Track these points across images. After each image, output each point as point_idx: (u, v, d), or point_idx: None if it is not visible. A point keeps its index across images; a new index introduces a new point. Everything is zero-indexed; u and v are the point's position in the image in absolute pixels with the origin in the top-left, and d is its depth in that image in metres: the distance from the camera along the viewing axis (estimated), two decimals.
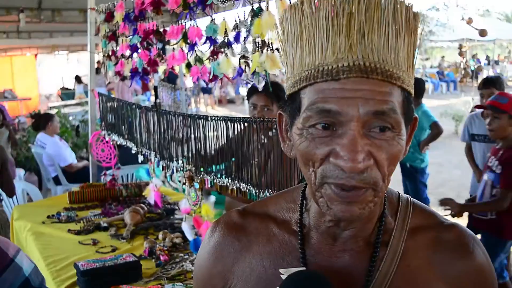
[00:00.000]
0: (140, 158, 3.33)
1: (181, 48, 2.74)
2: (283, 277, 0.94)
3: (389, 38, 0.84)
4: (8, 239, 1.59)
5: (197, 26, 2.59)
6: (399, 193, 1.07)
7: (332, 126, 0.85)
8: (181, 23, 2.73)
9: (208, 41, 2.50)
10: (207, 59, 2.56)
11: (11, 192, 4.38)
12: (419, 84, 5.62)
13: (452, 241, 0.99)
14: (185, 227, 2.84)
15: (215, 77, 2.50)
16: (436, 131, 5.55)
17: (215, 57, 2.48)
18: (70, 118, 10.40)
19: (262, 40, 2.14)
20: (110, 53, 4.11)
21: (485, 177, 3.88)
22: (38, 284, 1.48)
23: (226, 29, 2.37)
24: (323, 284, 0.89)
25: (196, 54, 2.62)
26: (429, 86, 21.47)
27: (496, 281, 1.02)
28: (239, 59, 2.30)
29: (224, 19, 2.40)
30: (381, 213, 1.00)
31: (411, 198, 1.07)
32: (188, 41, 2.63)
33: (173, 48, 2.82)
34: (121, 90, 12.37)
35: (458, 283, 0.97)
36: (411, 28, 0.87)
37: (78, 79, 17.30)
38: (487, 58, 28.93)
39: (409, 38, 0.87)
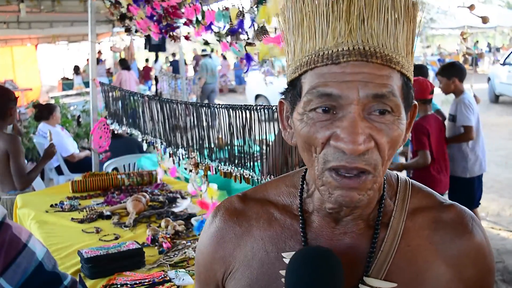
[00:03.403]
0: (145, 146, 3.35)
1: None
2: (286, 260, 0.96)
3: (388, 24, 0.86)
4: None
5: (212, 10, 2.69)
6: (397, 175, 1.08)
7: (332, 109, 0.86)
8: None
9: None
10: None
11: (22, 185, 4.20)
12: (422, 71, 5.68)
13: (451, 221, 1.00)
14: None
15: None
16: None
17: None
18: (71, 108, 10.38)
19: (260, 27, 2.17)
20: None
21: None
22: (51, 268, 1.49)
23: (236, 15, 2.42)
24: (333, 260, 0.91)
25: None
26: (430, 73, 21.41)
27: (494, 260, 1.04)
28: (245, 47, 2.33)
29: (233, 5, 2.45)
30: (380, 195, 1.01)
31: (410, 180, 1.08)
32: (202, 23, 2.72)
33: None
34: (128, 80, 12.38)
35: (458, 261, 0.98)
36: (410, 16, 0.89)
37: (76, 70, 17.27)
38: (488, 45, 28.82)
39: (408, 25, 0.89)
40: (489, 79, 16.66)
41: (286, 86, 0.98)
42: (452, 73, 5.11)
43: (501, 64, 16.34)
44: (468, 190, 5.14)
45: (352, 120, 0.84)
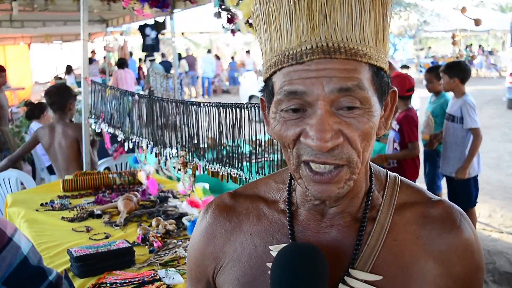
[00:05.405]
0: (129, 145, 3.34)
1: None
2: (273, 253, 0.97)
3: (353, 15, 0.85)
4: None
5: None
6: (387, 171, 1.09)
7: (302, 108, 0.87)
8: None
9: None
10: None
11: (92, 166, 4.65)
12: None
13: (439, 216, 1.01)
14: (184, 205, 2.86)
15: None
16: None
17: None
18: None
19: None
20: None
21: (390, 134, 5.15)
22: (36, 262, 1.49)
23: None
24: (316, 254, 0.91)
25: None
26: (423, 76, 21.54)
27: (483, 256, 1.04)
28: None
29: None
30: (368, 189, 1.02)
31: (399, 176, 1.09)
32: None
33: None
34: (124, 78, 12.39)
35: (445, 257, 0.98)
36: (377, 2, 0.88)
37: (68, 70, 17.20)
38: (481, 48, 28.95)
39: (376, 12, 0.88)
40: None
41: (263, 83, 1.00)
42: (455, 72, 5.13)
43: None
44: (464, 191, 5.17)
45: (319, 117, 0.84)
